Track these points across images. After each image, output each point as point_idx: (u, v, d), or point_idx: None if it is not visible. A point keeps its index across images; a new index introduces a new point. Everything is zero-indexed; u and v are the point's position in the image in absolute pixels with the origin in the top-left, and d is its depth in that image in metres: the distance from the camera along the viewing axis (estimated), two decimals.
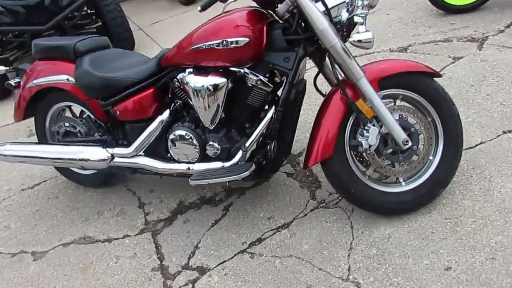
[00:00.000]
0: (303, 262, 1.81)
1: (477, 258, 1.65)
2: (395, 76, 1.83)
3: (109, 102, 2.07)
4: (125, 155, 2.10)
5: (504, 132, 2.22)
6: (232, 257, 1.91)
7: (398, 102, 1.89)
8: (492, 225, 1.76)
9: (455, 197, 1.92)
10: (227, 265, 1.87)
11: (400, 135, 1.78)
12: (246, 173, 1.82)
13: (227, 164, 1.89)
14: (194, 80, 1.84)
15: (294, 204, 2.11)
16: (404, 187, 1.89)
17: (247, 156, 1.88)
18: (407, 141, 1.79)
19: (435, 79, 1.89)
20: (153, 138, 2.04)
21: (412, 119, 1.85)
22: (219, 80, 1.81)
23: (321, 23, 1.68)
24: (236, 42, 1.73)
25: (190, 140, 1.95)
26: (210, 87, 1.81)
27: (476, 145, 2.18)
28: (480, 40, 3.12)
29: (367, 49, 1.80)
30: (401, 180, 1.90)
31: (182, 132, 1.96)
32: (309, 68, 2.65)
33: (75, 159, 2.18)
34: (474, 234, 1.74)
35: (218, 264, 1.89)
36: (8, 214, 2.50)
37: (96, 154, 2.13)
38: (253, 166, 1.85)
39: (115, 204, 2.41)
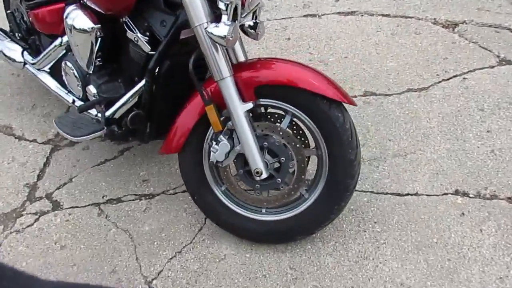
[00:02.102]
0: (130, 243, 1.68)
1: None
2: (282, 87, 1.39)
3: (28, 5, 1.92)
4: (33, 66, 2.00)
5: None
6: (84, 206, 1.83)
7: (286, 119, 1.47)
8: None
9: (315, 248, 1.58)
10: (74, 212, 1.82)
11: (254, 163, 1.41)
12: (87, 137, 1.65)
13: (88, 116, 1.71)
14: (70, 15, 1.59)
15: (175, 177, 1.91)
16: (264, 216, 1.57)
17: (105, 117, 1.66)
18: (258, 172, 1.42)
19: (343, 106, 1.42)
20: (53, 58, 1.89)
21: (289, 147, 1.45)
22: (88, 24, 1.55)
23: None
24: None
25: (74, 74, 1.77)
26: (78, 27, 1.56)
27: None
28: None
29: (226, 45, 1.33)
30: (262, 207, 1.58)
31: (69, 64, 1.77)
32: None
33: (1, 51, 2.14)
34: None
35: (70, 207, 1.84)
36: None
37: (13, 54, 2.06)
38: (103, 131, 1.65)
39: (48, 104, 2.40)
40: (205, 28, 1.29)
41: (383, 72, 2.33)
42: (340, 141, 1.40)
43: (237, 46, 1.50)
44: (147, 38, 1.50)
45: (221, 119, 1.42)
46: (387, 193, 1.75)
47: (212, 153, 1.44)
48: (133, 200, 1.84)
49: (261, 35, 1.60)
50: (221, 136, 1.43)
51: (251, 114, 1.45)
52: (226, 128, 1.42)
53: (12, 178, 2.00)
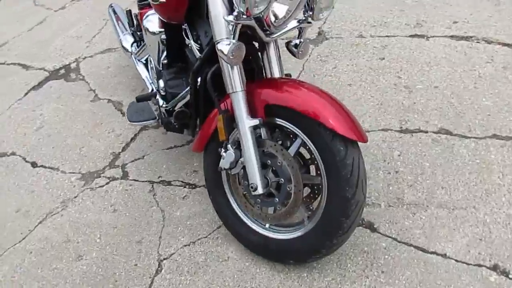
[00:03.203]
0: (161, 222, 1.88)
1: None
2: (289, 109, 1.39)
3: (139, 5, 2.25)
4: (135, 56, 2.35)
5: None
6: (142, 181, 2.11)
7: (296, 142, 1.45)
8: None
9: (310, 278, 1.54)
10: (134, 184, 2.09)
11: (251, 177, 1.44)
12: (139, 123, 1.89)
13: (150, 106, 1.96)
14: (146, 19, 1.86)
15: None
16: (267, 232, 1.60)
17: (159, 109, 1.88)
18: (253, 187, 1.44)
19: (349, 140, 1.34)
20: (146, 52, 2.20)
21: (289, 169, 1.44)
22: (155, 28, 1.81)
23: (215, 7, 1.37)
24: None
25: (152, 68, 2.04)
26: (150, 30, 1.86)
27: None
28: None
29: (229, 63, 1.38)
30: (265, 222, 1.60)
31: (151, 59, 2.05)
32: None
33: (120, 41, 2.56)
34: None
35: (132, 179, 2.14)
36: None
37: (126, 44, 2.46)
38: (154, 120, 1.87)
39: None
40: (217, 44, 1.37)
41: (472, 110, 2.05)
42: (337, 176, 1.34)
43: (274, 62, 1.55)
44: (198, 45, 1.65)
45: (232, 129, 1.49)
46: (410, 245, 1.58)
47: (221, 159, 1.53)
48: (178, 186, 2.05)
49: (304, 55, 1.61)
50: (229, 145, 1.50)
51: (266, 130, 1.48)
52: (232, 138, 1.49)
53: (105, 145, 2.41)
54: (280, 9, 1.43)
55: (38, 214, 2.07)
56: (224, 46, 1.32)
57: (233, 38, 1.34)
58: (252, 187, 1.45)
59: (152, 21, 1.82)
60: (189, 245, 1.77)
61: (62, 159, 2.38)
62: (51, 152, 2.44)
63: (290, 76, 1.85)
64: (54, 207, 2.09)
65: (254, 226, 1.60)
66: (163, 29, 1.76)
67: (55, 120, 2.69)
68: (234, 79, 1.42)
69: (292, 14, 1.45)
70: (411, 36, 2.62)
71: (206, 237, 1.79)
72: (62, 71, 3.19)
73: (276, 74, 1.56)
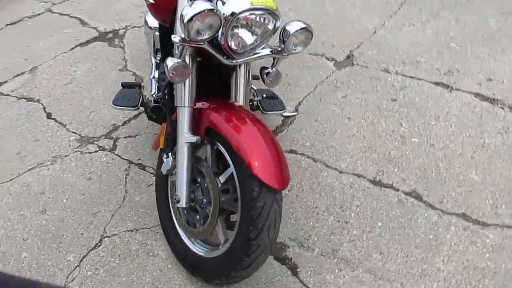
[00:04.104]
0: (120, 202, 2.03)
1: None
2: (226, 140, 1.41)
3: None
4: None
5: None
6: (123, 159, 2.26)
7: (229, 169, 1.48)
8: None
9: None
10: (115, 159, 2.25)
11: (178, 189, 1.50)
12: (120, 108, 2.03)
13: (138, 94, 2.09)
14: (147, 13, 1.96)
15: None
16: (189, 243, 1.65)
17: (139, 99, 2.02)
18: (176, 199, 1.50)
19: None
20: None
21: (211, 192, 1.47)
22: (152, 23, 2.02)
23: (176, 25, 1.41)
24: None
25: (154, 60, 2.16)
26: (147, 23, 2.12)
27: None
28: None
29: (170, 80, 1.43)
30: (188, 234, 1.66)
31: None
32: None
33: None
34: None
35: (116, 155, 2.30)
36: None
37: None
38: (134, 109, 1.99)
39: None
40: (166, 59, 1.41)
41: (455, 181, 1.91)
42: (246, 214, 1.36)
43: (240, 86, 1.57)
44: None
45: (174, 140, 1.55)
46: None
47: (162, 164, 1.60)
48: (150, 172, 2.16)
49: (272, 84, 1.61)
50: (170, 153, 1.57)
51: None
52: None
53: (111, 115, 2.57)
54: (247, 37, 1.44)
55: (31, 162, 2.29)
56: (170, 62, 1.36)
57: (179, 57, 1.37)
58: (175, 199, 1.51)
59: (150, 16, 1.91)
60: (131, 231, 1.88)
61: (72, 118, 2.59)
62: (66, 108, 2.66)
63: (273, 96, 1.86)
64: (45, 159, 2.30)
65: (181, 233, 1.67)
66: (155, 26, 1.84)
67: (83, 80, 2.92)
68: (183, 94, 1.46)
69: (257, 45, 1.46)
70: (435, 83, 2.45)
71: (149, 228, 1.88)
72: (110, 35, 3.41)
73: (240, 99, 1.58)
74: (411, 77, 2.52)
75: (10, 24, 3.73)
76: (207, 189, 1.48)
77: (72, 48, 3.28)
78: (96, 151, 2.33)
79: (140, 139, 2.36)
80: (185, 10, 1.24)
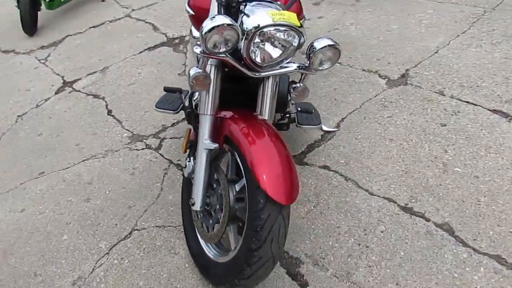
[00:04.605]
0: (156, 196, 2.16)
1: None
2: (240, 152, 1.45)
3: None
4: None
5: None
6: (166, 159, 2.40)
7: (240, 182, 1.51)
8: None
9: None
10: (156, 157, 2.42)
11: (193, 192, 1.56)
12: (161, 110, 2.15)
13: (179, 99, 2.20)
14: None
15: None
16: (204, 245, 1.71)
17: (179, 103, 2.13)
18: (191, 202, 1.56)
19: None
20: None
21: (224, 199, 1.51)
22: (194, 32, 2.08)
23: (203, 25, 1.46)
24: (187, 11, 1.82)
25: None
26: (192, 30, 2.17)
27: None
28: None
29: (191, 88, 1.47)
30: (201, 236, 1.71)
31: None
32: None
33: None
34: None
35: (160, 154, 2.45)
36: None
37: None
38: (174, 111, 2.10)
39: None
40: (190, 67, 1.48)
41: (495, 219, 1.76)
42: (250, 225, 1.38)
43: (265, 99, 1.60)
44: None
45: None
46: None
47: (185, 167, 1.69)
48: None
49: (298, 98, 1.63)
50: (191, 157, 1.64)
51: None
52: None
53: (162, 116, 2.73)
54: (272, 51, 1.47)
55: (86, 153, 2.52)
56: (192, 71, 1.43)
57: (200, 68, 1.44)
58: (191, 202, 1.57)
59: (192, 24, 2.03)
60: (159, 227, 1.99)
61: (129, 116, 2.79)
62: (125, 106, 2.88)
63: (308, 110, 1.87)
64: (98, 152, 2.51)
65: (198, 235, 1.73)
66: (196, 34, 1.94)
67: (145, 81, 3.13)
68: (206, 102, 1.53)
69: (282, 59, 1.48)
70: (493, 110, 2.27)
71: (175, 226, 1.98)
72: (177, 40, 3.63)
73: (265, 111, 1.61)
74: (467, 102, 2.36)
75: (93, 27, 4.12)
76: (221, 195, 1.53)
77: (141, 52, 3.54)
78: (143, 149, 2.49)
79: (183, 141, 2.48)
80: (205, 23, 1.30)
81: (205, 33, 1.29)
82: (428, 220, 1.80)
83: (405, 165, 2.07)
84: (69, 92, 3.18)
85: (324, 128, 2.35)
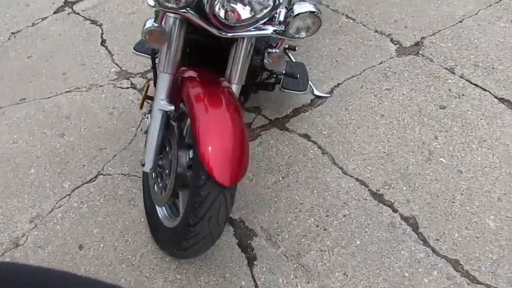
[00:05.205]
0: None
1: None
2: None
3: None
4: None
5: None
6: None
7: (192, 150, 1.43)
8: None
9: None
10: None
11: (145, 155, 1.50)
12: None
13: None
14: None
15: None
16: (159, 209, 1.67)
17: None
18: (142, 162, 1.51)
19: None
20: None
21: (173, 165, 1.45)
22: None
23: None
24: None
25: None
26: None
27: None
28: None
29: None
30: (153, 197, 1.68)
31: None
32: None
33: None
34: None
35: None
36: None
37: None
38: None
39: None
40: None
41: (465, 221, 1.65)
42: (191, 200, 1.33)
43: (235, 63, 1.47)
44: None
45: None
46: None
47: None
48: None
49: (272, 66, 1.51)
50: (148, 114, 1.56)
51: None
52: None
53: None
54: (242, 10, 1.31)
55: (71, 84, 2.45)
56: (147, 23, 1.29)
57: (154, 21, 1.30)
58: (141, 162, 1.52)
59: None
60: (125, 175, 1.97)
61: (121, 49, 2.67)
62: (121, 38, 2.75)
63: (293, 75, 1.74)
64: (83, 85, 2.45)
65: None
66: None
67: (146, 12, 2.97)
68: (165, 59, 1.40)
69: (255, 20, 1.32)
70: (501, 99, 2.06)
71: (139, 177, 1.94)
72: None
73: (234, 76, 1.48)
74: (476, 84, 2.15)
75: None
76: (171, 161, 1.46)
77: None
78: (127, 88, 2.41)
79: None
80: None
81: None
82: (395, 211, 1.71)
83: (389, 147, 1.94)
84: (68, 14, 3.05)
85: (316, 92, 2.21)
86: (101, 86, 2.43)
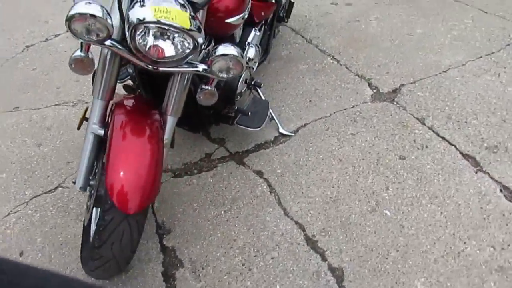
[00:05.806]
0: None
1: None
2: None
3: None
4: None
5: None
6: None
7: None
8: None
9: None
10: None
11: (78, 173, 1.55)
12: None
13: None
14: None
15: None
16: (92, 226, 1.70)
17: None
18: (73, 180, 1.56)
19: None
20: None
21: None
22: None
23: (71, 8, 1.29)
24: None
25: None
26: None
27: None
28: None
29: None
30: None
31: None
32: None
33: None
34: None
35: None
36: None
37: None
38: None
39: None
40: None
41: (392, 280, 1.57)
42: (97, 222, 1.36)
43: (171, 96, 1.51)
44: None
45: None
46: None
47: None
48: None
49: (204, 101, 1.53)
50: None
51: None
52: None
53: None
54: (167, 48, 1.35)
55: (61, 99, 2.59)
56: (76, 52, 1.35)
57: (81, 51, 1.35)
58: (73, 180, 1.57)
59: None
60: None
61: None
62: None
63: (245, 112, 1.76)
64: (71, 100, 2.58)
65: None
66: None
67: None
68: (97, 85, 1.45)
69: (182, 58, 1.36)
70: (466, 155, 1.97)
71: None
72: None
73: (169, 109, 1.52)
74: (443, 138, 2.07)
75: None
76: (96, 182, 1.51)
77: None
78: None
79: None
80: (74, 5, 1.20)
81: (66, 19, 1.20)
82: (325, 259, 1.65)
83: (337, 193, 1.89)
84: None
85: (281, 130, 2.21)
86: (86, 103, 2.54)
